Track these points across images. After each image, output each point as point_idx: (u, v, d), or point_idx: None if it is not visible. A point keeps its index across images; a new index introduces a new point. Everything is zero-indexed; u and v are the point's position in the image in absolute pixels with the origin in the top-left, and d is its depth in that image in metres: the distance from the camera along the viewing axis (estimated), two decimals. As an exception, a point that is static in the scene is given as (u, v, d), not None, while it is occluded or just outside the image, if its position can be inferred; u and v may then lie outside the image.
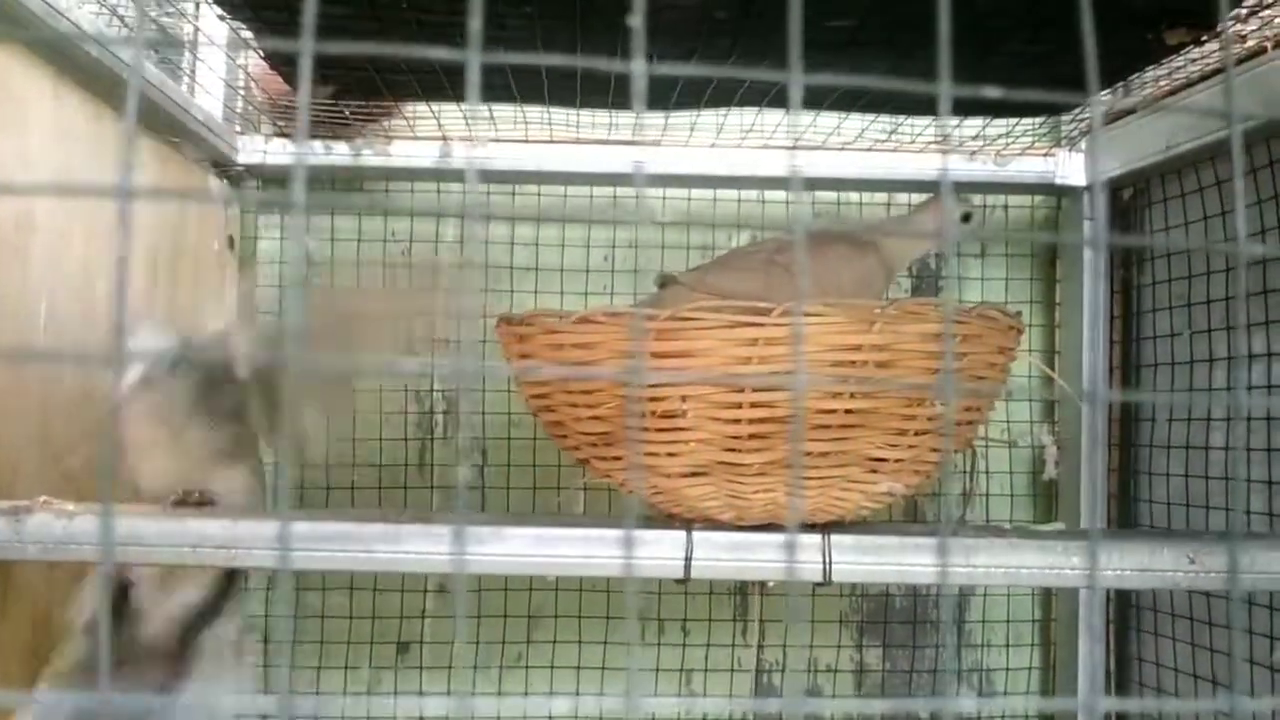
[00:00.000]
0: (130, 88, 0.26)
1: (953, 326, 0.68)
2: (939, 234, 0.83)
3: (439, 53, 0.24)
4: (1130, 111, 1.10)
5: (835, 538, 0.72)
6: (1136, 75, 1.04)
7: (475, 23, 0.22)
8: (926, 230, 0.84)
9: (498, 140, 1.19)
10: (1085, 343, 1.18)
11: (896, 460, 0.71)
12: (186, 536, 0.70)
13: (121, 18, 0.94)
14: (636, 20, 0.22)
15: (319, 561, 0.70)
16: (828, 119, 1.17)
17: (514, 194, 1.26)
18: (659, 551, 0.72)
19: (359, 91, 1.09)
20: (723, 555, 0.72)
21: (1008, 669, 1.27)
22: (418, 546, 0.70)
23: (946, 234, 0.84)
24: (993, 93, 0.32)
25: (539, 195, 1.27)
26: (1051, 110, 1.15)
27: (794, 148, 1.17)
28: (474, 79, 0.23)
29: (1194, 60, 1.02)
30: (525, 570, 0.72)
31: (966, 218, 0.88)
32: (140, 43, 0.97)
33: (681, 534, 0.72)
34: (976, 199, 1.29)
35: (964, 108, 1.12)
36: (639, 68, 0.23)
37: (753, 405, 0.68)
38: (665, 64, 0.25)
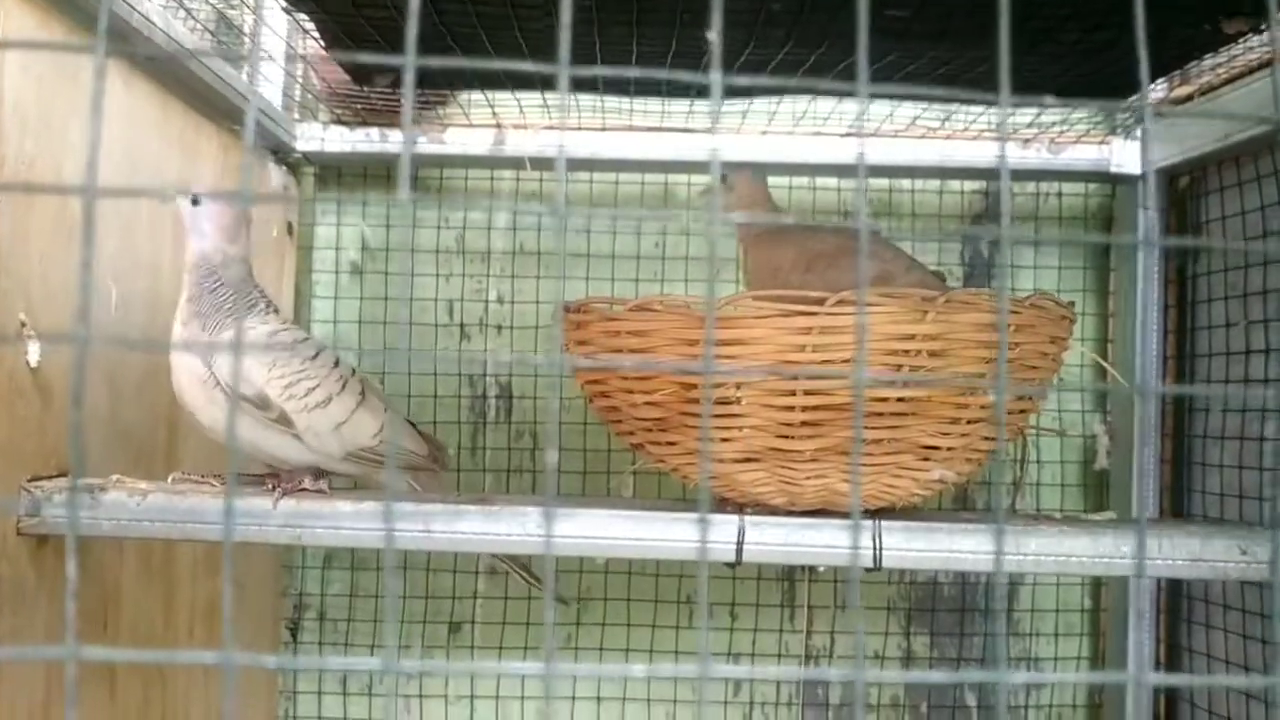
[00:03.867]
0: (249, 112, 0.27)
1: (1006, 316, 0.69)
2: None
3: (528, 66, 0.25)
4: (1188, 99, 1.09)
5: (886, 524, 0.72)
6: (1194, 64, 1.04)
7: (565, 35, 0.23)
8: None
9: (551, 128, 1.20)
10: (1137, 334, 1.18)
11: (949, 448, 0.72)
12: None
13: (189, 10, 0.96)
14: (714, 35, 0.23)
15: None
16: (880, 106, 1.17)
17: (566, 181, 1.27)
18: (712, 535, 0.73)
19: (416, 81, 1.11)
20: (774, 540, 0.73)
21: (1056, 658, 1.27)
22: (506, 528, 0.73)
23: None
24: (1051, 102, 0.32)
25: (591, 183, 1.28)
26: (1107, 98, 1.14)
27: (855, 134, 1.17)
28: (564, 87, 0.24)
29: (1251, 49, 1.01)
30: (603, 553, 0.74)
31: (724, 180, 0.92)
32: (255, 61, 1.00)
33: (734, 518, 0.73)
34: (1030, 187, 1.29)
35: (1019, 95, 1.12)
36: (716, 78, 0.24)
37: (806, 393, 0.69)
38: (742, 75, 0.26)
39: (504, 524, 0.73)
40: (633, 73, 0.27)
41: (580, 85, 1.09)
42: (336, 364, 0.84)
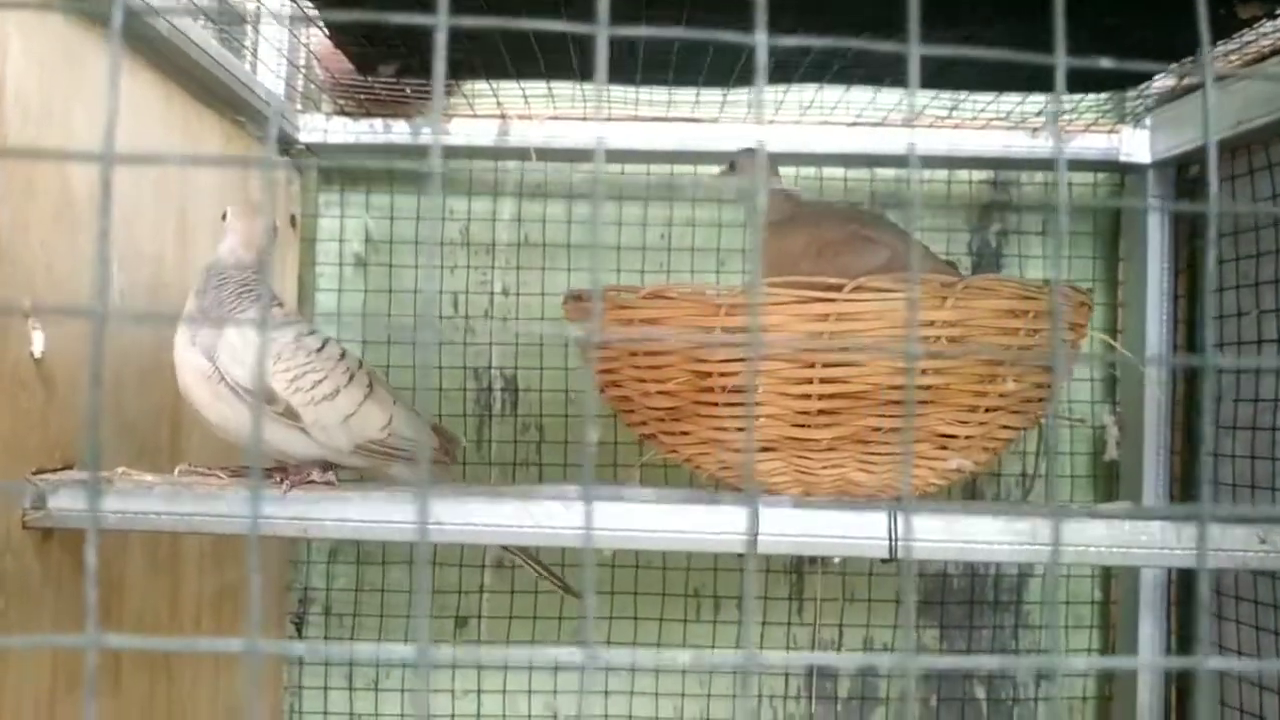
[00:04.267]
0: (270, 119, 0.26)
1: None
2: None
3: (564, 25, 0.24)
4: (1198, 87, 1.08)
5: (907, 512, 0.72)
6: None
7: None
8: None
9: (556, 118, 1.19)
10: (1149, 311, 1.17)
11: (967, 437, 0.71)
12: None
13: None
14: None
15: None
16: (888, 96, 1.16)
17: (572, 171, 1.27)
18: (724, 525, 0.72)
19: (421, 70, 1.10)
20: (791, 530, 0.72)
21: (1066, 650, 1.26)
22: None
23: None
24: (1106, 63, 0.31)
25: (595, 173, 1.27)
26: (1116, 86, 1.13)
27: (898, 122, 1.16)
28: (602, 50, 0.23)
29: (1265, 35, 1.00)
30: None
31: (732, 167, 0.91)
32: (281, 75, 0.99)
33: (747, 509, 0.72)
34: (1039, 176, 1.28)
35: (1028, 84, 1.11)
36: (762, 39, 0.23)
37: (823, 381, 0.68)
38: (790, 35, 0.25)
39: (539, 512, 0.72)
40: (674, 33, 0.26)
41: (585, 74, 1.08)
42: (343, 356, 0.83)
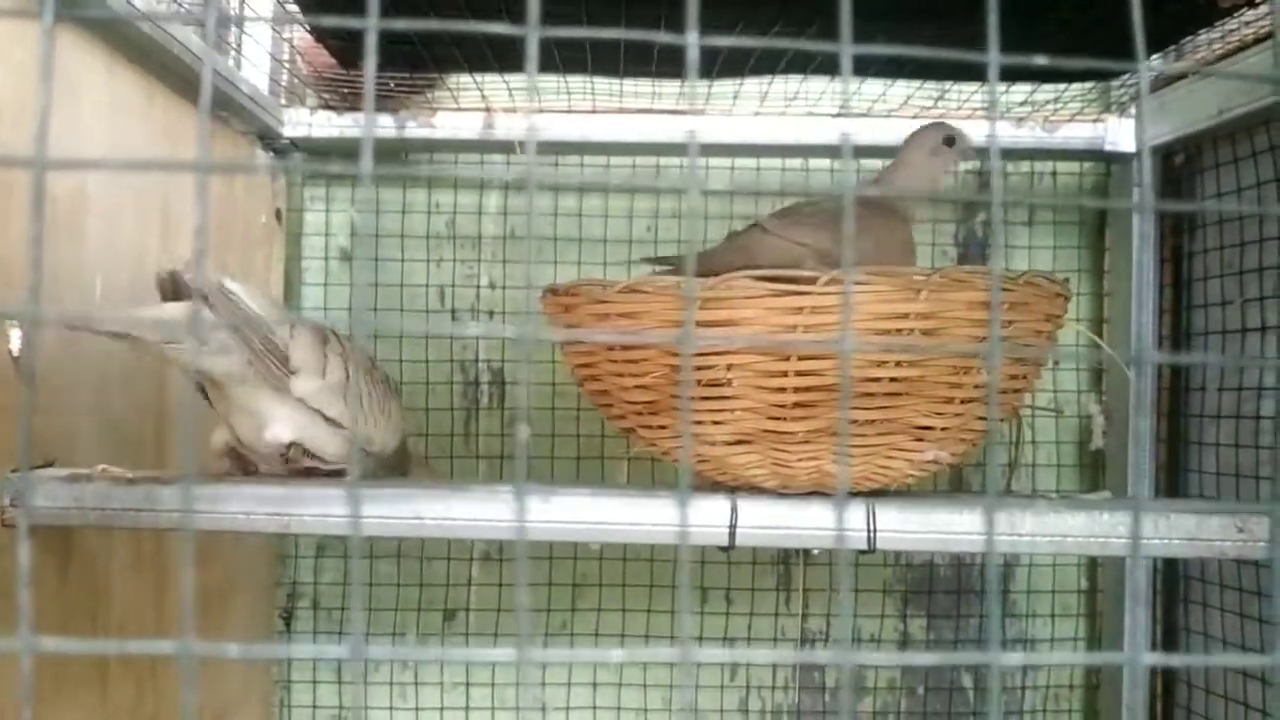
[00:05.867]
0: (204, 80, 0.26)
1: (999, 293, 0.68)
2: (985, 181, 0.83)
3: (498, 28, 0.24)
4: (1182, 77, 1.08)
5: (880, 506, 0.72)
6: (1189, 39, 1.03)
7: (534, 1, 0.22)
8: (937, 163, 0.84)
9: (541, 111, 1.19)
10: (1133, 306, 1.17)
11: (943, 428, 0.71)
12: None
13: (172, -7, 0.94)
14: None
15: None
16: (873, 86, 1.16)
17: (556, 164, 1.27)
18: (704, 519, 0.72)
19: (403, 64, 1.10)
20: (767, 523, 0.73)
21: (1053, 639, 1.27)
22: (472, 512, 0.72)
23: (938, 166, 0.85)
24: (1041, 61, 0.32)
25: (582, 165, 1.27)
26: (1101, 76, 1.13)
27: (839, 115, 1.16)
28: (532, 53, 0.23)
29: (1247, 24, 1.00)
30: (582, 537, 0.74)
31: (950, 141, 0.88)
32: (211, 40, 0.98)
33: (726, 502, 0.72)
34: (1025, 165, 1.28)
35: (1013, 74, 1.11)
36: (692, 38, 0.23)
37: (798, 374, 0.68)
38: (717, 35, 0.26)
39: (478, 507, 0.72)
40: (602, 34, 0.26)
41: (570, 66, 1.08)
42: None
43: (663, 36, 0.26)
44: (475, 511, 0.72)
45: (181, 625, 0.27)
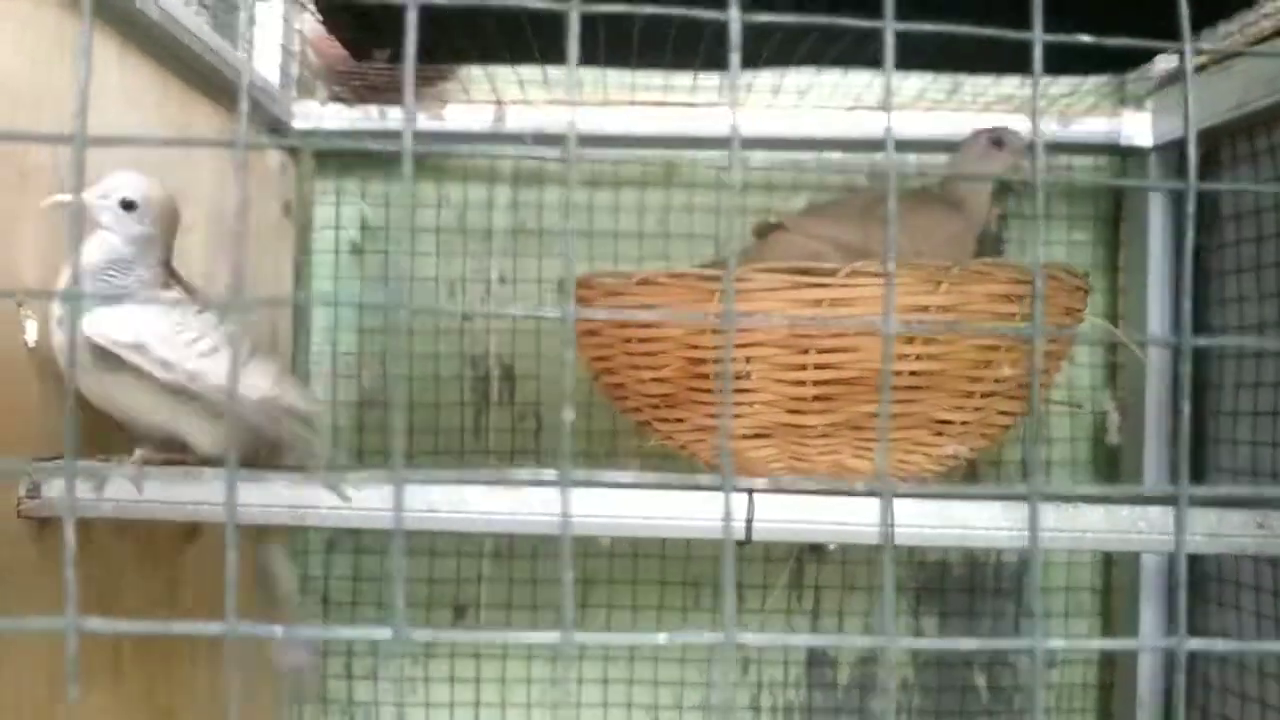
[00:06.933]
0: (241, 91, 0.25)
1: (1040, 280, 0.67)
2: (1016, 168, 0.82)
3: (539, 3, 0.23)
4: (1201, 69, 1.07)
5: (898, 500, 0.71)
6: (1208, 29, 1.02)
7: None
8: (992, 167, 0.83)
9: (552, 103, 1.18)
10: (1149, 295, 1.16)
11: (963, 423, 0.71)
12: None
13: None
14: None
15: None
16: (883, 80, 1.15)
17: (566, 159, 1.25)
18: (719, 513, 0.72)
19: (415, 55, 1.09)
20: (785, 517, 0.72)
21: (1066, 637, 1.26)
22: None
23: (989, 164, 0.84)
24: (1085, 39, 0.31)
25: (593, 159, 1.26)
26: (1124, 65, 1.12)
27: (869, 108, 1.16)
28: (574, 30, 0.22)
29: (1267, 15, 1.00)
30: (625, 532, 0.73)
31: (998, 142, 0.87)
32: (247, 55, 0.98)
33: (743, 495, 0.71)
34: (1039, 160, 1.27)
35: (1027, 68, 1.10)
36: (735, 14, 0.22)
37: (817, 366, 0.68)
38: (762, 13, 0.25)
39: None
40: (645, 9, 0.25)
41: (584, 58, 1.07)
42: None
43: (705, 13, 0.26)
44: (519, 504, 0.70)
45: (225, 607, 0.26)
